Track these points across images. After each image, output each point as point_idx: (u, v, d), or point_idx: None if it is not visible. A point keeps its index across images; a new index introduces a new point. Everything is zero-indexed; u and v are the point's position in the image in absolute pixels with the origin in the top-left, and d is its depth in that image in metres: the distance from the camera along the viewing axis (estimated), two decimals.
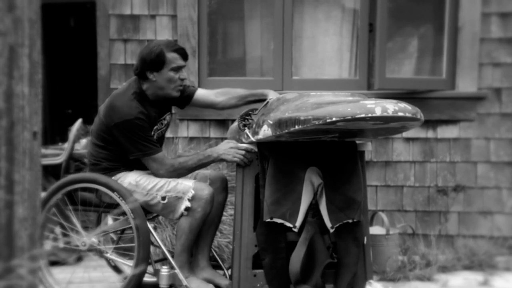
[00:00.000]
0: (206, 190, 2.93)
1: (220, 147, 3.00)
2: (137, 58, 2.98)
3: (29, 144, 1.12)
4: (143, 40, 4.25)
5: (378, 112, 2.56)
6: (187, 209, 2.89)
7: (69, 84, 7.97)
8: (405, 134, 4.30)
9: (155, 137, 3.03)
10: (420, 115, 2.63)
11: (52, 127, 7.39)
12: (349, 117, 2.56)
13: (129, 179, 2.98)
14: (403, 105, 2.60)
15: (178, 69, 2.97)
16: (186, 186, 2.92)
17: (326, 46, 4.59)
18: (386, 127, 2.76)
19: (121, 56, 4.29)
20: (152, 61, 2.91)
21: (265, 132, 2.75)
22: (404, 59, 4.61)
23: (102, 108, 3.00)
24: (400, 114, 2.58)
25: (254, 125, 2.86)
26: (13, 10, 0.97)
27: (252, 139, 2.84)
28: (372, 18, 4.31)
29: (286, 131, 2.64)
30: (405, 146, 4.32)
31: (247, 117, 3.00)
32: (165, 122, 3.15)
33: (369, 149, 3.05)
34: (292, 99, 2.83)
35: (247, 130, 2.93)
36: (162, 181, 2.94)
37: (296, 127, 2.61)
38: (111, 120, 2.88)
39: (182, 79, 3.01)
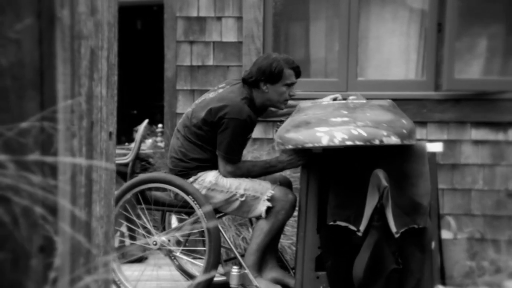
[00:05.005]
0: (290, 194, 3.01)
1: (283, 158, 3.02)
2: (254, 67, 3.04)
3: (106, 144, 1.15)
4: (209, 41, 4.31)
5: (324, 142, 2.51)
6: (267, 210, 2.93)
7: (134, 86, 8.16)
8: (473, 137, 4.18)
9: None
10: (385, 139, 2.46)
11: (118, 127, 7.57)
12: (300, 146, 2.62)
13: (209, 178, 3.00)
14: (357, 132, 2.47)
15: (291, 85, 3.06)
16: (265, 187, 2.97)
17: (393, 46, 4.51)
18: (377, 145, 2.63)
19: (187, 58, 4.36)
20: (270, 74, 2.99)
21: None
22: (472, 59, 4.47)
23: (204, 106, 3.01)
24: (348, 143, 2.47)
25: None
26: (95, 14, 1.00)
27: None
28: (441, 18, 4.21)
29: (280, 148, 2.80)
30: (473, 149, 4.19)
31: (278, 123, 3.21)
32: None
33: (440, 150, 2.95)
34: (300, 110, 2.90)
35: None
36: (240, 179, 2.99)
37: (281, 147, 2.75)
38: (223, 114, 2.92)
39: (291, 95, 3.09)
